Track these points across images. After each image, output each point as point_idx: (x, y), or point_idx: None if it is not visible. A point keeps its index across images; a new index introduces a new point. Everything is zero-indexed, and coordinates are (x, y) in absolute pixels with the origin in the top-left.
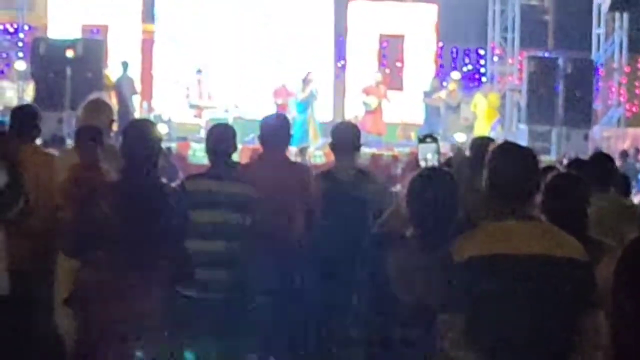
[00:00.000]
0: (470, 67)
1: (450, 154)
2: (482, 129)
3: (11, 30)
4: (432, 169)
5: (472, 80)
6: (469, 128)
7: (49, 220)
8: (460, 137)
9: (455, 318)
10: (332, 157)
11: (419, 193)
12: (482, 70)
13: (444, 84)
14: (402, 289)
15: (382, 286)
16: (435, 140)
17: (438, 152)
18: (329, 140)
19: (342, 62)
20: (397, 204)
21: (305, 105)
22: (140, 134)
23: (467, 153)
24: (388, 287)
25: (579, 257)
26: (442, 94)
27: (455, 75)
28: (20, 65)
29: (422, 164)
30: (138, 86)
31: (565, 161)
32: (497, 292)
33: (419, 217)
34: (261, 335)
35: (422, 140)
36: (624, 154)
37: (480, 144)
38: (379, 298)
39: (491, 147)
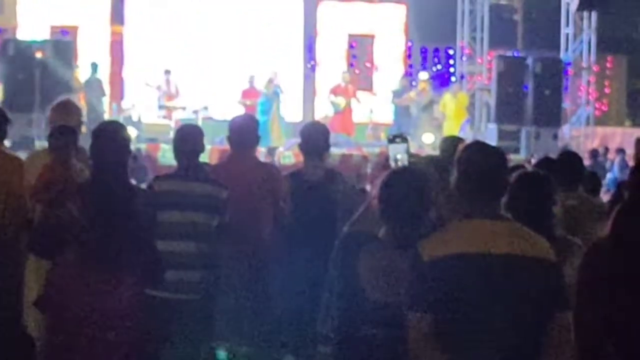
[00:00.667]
0: (439, 66)
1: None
2: (451, 129)
3: None
4: (402, 169)
5: (441, 80)
6: (438, 128)
7: (19, 225)
8: (428, 138)
9: (423, 318)
10: (301, 158)
11: (389, 192)
12: (452, 70)
13: (413, 83)
14: (372, 288)
15: (352, 285)
16: (405, 140)
17: (408, 152)
18: (298, 140)
19: (312, 62)
20: (368, 203)
21: (267, 106)
22: (109, 135)
23: (436, 153)
24: (358, 285)
25: (548, 256)
26: (413, 93)
27: (424, 75)
28: None
29: (392, 164)
30: (107, 87)
31: (533, 160)
32: (465, 291)
33: (389, 217)
34: (233, 334)
35: (391, 140)
36: (594, 153)
37: (450, 143)
38: (348, 296)
39: (460, 146)
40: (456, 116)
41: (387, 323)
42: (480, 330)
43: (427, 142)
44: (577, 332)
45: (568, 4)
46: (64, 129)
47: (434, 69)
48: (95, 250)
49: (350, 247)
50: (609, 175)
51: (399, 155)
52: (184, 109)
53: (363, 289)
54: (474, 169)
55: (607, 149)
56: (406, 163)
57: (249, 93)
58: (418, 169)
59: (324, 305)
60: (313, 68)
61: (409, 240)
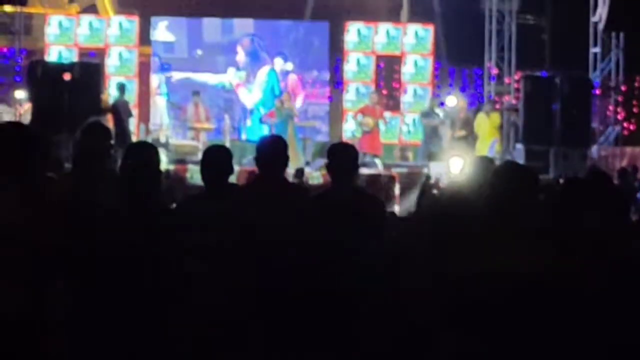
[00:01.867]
0: (467, 87)
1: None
2: (483, 149)
3: (8, 54)
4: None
5: (470, 101)
6: (466, 148)
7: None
8: (456, 166)
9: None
10: (329, 179)
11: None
12: (479, 90)
13: (446, 104)
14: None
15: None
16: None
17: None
18: (324, 160)
19: (339, 82)
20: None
21: (282, 127)
22: (140, 157)
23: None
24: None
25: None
26: (454, 110)
27: (454, 98)
28: (20, 94)
29: (434, 181)
30: (135, 109)
31: (562, 181)
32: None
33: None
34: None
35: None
36: (623, 172)
37: (482, 164)
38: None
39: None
40: (488, 136)
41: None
42: None
43: (454, 170)
44: None
45: (596, 24)
46: (89, 151)
47: (461, 89)
48: (124, 273)
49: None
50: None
51: (442, 174)
52: (211, 129)
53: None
54: (507, 189)
55: (636, 169)
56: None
57: (272, 113)
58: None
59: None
60: (340, 88)
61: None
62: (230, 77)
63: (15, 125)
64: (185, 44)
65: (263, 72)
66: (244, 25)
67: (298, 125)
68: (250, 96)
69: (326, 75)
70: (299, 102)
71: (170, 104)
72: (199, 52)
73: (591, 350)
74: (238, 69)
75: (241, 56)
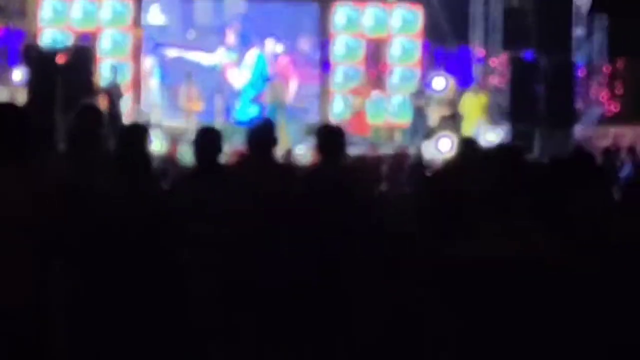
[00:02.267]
0: (453, 68)
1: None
2: (469, 129)
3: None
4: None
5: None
6: (453, 128)
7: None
8: (445, 145)
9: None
10: (317, 159)
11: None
12: (467, 71)
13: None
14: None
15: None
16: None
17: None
18: (313, 141)
19: (326, 64)
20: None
21: (272, 110)
22: (133, 138)
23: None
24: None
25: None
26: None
27: (444, 78)
28: (17, 75)
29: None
30: (127, 90)
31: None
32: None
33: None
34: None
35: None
36: (606, 152)
37: (467, 146)
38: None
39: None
40: (474, 116)
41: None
42: None
43: (444, 149)
44: None
45: (579, 6)
46: (85, 132)
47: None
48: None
49: None
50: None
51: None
52: (202, 110)
53: None
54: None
55: (618, 148)
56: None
57: (263, 96)
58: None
59: None
60: (328, 69)
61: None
62: (221, 57)
63: (9, 107)
64: (177, 26)
65: (252, 55)
66: (235, 7)
67: (290, 105)
68: (239, 78)
69: (317, 57)
70: (292, 86)
71: (162, 85)
72: (192, 33)
73: (587, 334)
74: (228, 50)
75: (230, 38)
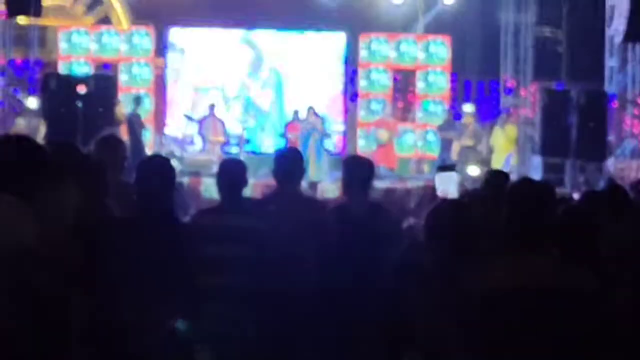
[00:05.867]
0: (483, 100)
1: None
2: (498, 161)
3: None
4: (451, 202)
5: (486, 113)
6: (482, 161)
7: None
8: (474, 171)
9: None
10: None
11: (436, 225)
12: (496, 103)
13: (462, 119)
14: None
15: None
16: (453, 169)
17: (457, 182)
18: (339, 174)
19: (355, 96)
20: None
21: (305, 139)
22: (154, 169)
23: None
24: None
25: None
26: (460, 133)
27: (468, 107)
28: (32, 103)
29: (440, 194)
30: (151, 121)
31: (576, 196)
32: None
33: (437, 248)
34: None
35: (441, 169)
36: (638, 185)
37: (496, 178)
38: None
39: (508, 183)
40: (504, 149)
41: None
42: None
43: (473, 174)
44: None
45: (613, 36)
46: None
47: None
48: (134, 283)
49: (402, 279)
50: None
51: (450, 186)
52: (227, 143)
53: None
54: (523, 206)
55: None
56: (455, 194)
57: (293, 127)
58: (464, 202)
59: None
60: (355, 101)
61: (455, 272)
62: (244, 85)
63: (21, 139)
64: (198, 54)
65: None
66: (261, 36)
67: (323, 135)
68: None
69: (342, 89)
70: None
71: (188, 117)
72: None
73: None
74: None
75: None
